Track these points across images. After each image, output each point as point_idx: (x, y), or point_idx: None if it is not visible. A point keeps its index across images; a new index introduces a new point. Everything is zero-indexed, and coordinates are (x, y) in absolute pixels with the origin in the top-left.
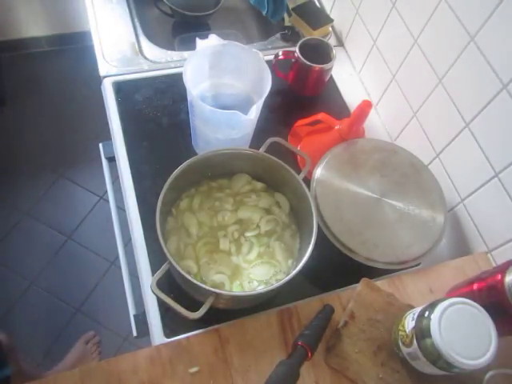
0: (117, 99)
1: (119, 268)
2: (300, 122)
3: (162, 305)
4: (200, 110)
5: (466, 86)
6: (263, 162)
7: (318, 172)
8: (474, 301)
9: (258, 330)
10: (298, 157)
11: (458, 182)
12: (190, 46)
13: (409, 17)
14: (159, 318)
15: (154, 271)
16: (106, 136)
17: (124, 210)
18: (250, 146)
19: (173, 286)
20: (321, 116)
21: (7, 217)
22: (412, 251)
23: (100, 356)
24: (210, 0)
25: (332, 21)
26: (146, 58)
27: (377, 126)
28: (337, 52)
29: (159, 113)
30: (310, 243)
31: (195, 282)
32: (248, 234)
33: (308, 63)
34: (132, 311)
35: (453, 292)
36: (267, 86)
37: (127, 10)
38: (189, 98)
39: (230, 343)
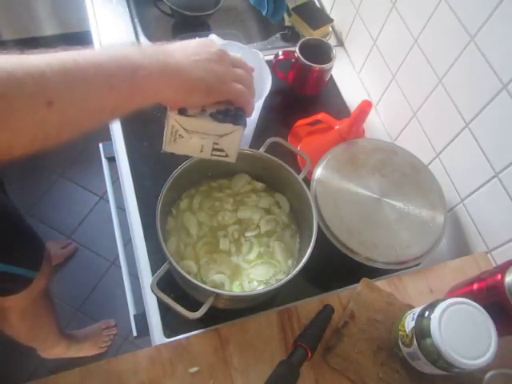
0: None
1: (119, 268)
2: (300, 122)
3: (162, 305)
4: None
5: (466, 86)
6: (263, 161)
7: (318, 172)
8: (474, 301)
9: (258, 329)
10: (298, 157)
11: (458, 182)
12: None
13: (409, 17)
14: (159, 318)
15: (154, 271)
16: (106, 136)
17: (124, 210)
18: (250, 146)
19: (173, 285)
20: (321, 116)
21: None
22: (412, 251)
23: (107, 349)
24: (210, 0)
25: (332, 21)
26: None
27: (377, 126)
28: (337, 52)
29: (159, 113)
30: (310, 243)
31: (195, 281)
32: (248, 234)
33: (308, 63)
34: (132, 311)
35: (453, 292)
36: (267, 85)
37: (127, 10)
38: None
39: (230, 343)
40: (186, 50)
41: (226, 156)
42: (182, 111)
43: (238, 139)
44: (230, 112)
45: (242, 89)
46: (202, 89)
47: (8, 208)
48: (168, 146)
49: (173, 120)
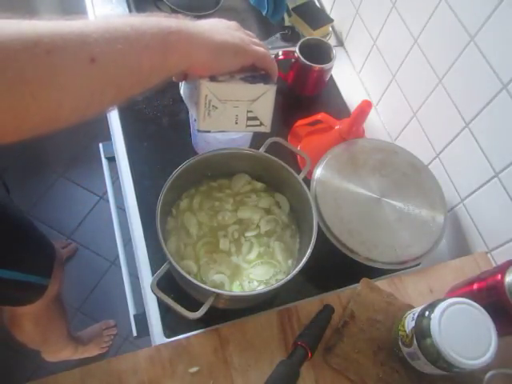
0: None
1: (119, 268)
2: (300, 122)
3: (162, 305)
4: None
5: (466, 86)
6: (263, 161)
7: (318, 172)
8: (474, 301)
9: (258, 330)
10: (298, 157)
11: (458, 182)
12: None
13: (409, 17)
14: (159, 318)
15: (154, 271)
16: (106, 136)
17: (124, 210)
18: (250, 146)
19: (173, 285)
20: (321, 116)
21: None
22: (412, 251)
23: (107, 349)
24: (210, 0)
25: (332, 21)
26: None
27: (377, 125)
28: (337, 52)
29: (159, 113)
30: (309, 243)
31: (195, 282)
32: (248, 234)
33: (308, 63)
34: (132, 311)
35: (453, 292)
36: None
37: (127, 10)
38: None
39: (230, 343)
40: (205, 22)
41: (261, 125)
42: (213, 78)
43: (270, 102)
44: (258, 75)
45: (265, 51)
46: (229, 49)
47: (16, 213)
48: (202, 123)
49: (205, 88)
